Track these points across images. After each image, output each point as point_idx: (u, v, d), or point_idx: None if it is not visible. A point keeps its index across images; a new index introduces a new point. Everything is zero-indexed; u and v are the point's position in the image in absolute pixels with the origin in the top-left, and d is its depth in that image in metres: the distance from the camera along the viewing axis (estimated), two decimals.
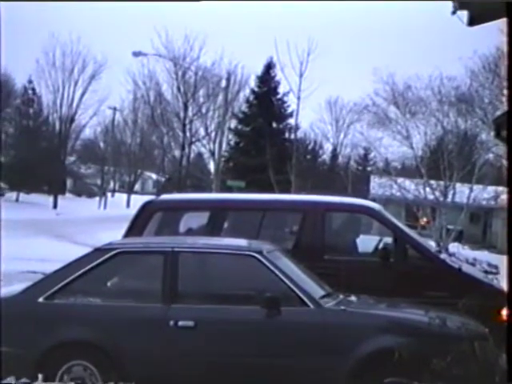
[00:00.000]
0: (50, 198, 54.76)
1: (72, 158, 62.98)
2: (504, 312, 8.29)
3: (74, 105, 56.86)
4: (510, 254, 5.51)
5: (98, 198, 63.18)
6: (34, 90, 57.45)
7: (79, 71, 56.46)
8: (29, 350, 6.72)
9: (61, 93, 56.33)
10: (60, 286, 7.04)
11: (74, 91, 56.55)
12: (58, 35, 54.00)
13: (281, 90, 46.42)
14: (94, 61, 56.30)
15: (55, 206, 53.12)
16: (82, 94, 56.89)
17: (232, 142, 48.75)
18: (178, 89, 51.08)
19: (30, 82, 56.86)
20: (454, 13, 7.21)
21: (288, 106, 46.46)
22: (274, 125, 46.94)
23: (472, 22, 7.39)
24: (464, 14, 7.36)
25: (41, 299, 6.98)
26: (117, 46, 67.18)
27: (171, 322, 6.74)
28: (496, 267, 24.74)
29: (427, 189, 31.87)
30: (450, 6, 7.32)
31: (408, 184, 33.48)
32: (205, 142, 50.49)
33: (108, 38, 76.49)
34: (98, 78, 56.98)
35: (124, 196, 66.54)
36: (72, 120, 57.45)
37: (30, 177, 50.81)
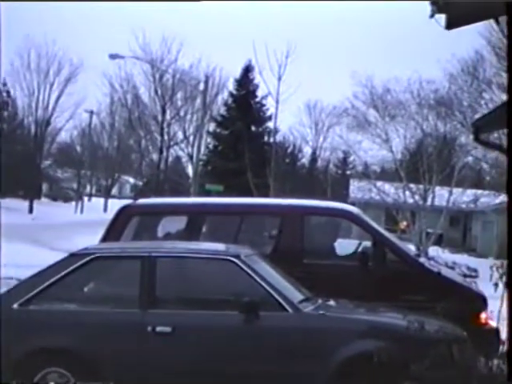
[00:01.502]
0: (26, 203, 54.29)
1: (48, 162, 62.53)
2: (482, 315, 8.32)
3: (50, 108, 56.68)
4: (510, 260, 5.47)
5: (74, 203, 62.74)
6: (8, 92, 56.86)
7: (55, 74, 56.26)
8: (3, 357, 6.60)
9: (36, 96, 56.15)
10: (35, 292, 6.95)
11: (49, 94, 56.38)
12: (32, 37, 53.74)
13: (259, 93, 46.48)
14: (69, 63, 56.20)
15: (31, 211, 52.67)
16: (58, 97, 56.72)
17: (210, 146, 48.67)
18: (156, 92, 51.05)
19: (5, 84, 56.20)
20: (431, 16, 7.20)
21: (267, 110, 46.53)
22: (253, 128, 46.90)
23: (450, 25, 7.39)
24: (442, 18, 7.35)
25: (15, 305, 6.87)
26: (93, 49, 67.01)
27: (149, 328, 6.67)
28: (475, 270, 24.90)
29: (407, 192, 31.99)
30: (428, 9, 7.32)
31: (387, 187, 33.61)
32: (183, 145, 50.56)
33: (84, 40, 76.17)
34: (74, 80, 56.83)
35: (101, 200, 66.22)
36: (48, 123, 57.08)
37: (4, 181, 50.25)
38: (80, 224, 39.74)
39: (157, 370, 6.67)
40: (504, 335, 6.53)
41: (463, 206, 34.10)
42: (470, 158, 33.23)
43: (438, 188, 32.01)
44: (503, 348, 6.13)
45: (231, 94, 48.02)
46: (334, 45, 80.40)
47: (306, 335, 6.64)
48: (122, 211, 9.58)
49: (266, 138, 47.02)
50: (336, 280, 8.41)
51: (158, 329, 6.67)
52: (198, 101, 45.04)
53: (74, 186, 68.02)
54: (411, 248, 12.35)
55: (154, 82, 51.19)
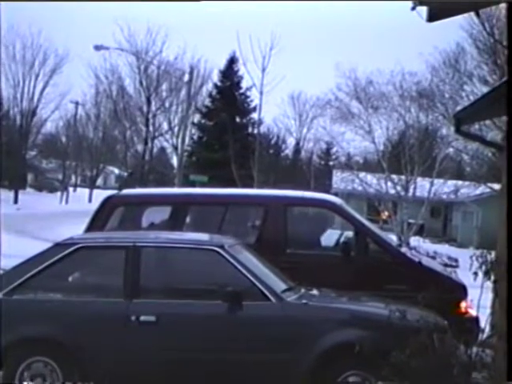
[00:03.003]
0: (11, 193, 53.96)
1: (33, 153, 62.23)
2: (463, 304, 8.44)
3: (35, 99, 56.24)
4: (510, 255, 5.53)
5: (59, 193, 62.54)
6: None
7: (40, 64, 55.82)
8: None
9: (21, 86, 55.68)
10: (20, 281, 6.97)
11: (34, 85, 55.93)
12: (17, 28, 53.23)
13: (244, 84, 46.51)
14: (55, 54, 55.74)
15: (16, 201, 52.43)
16: (43, 88, 56.28)
17: (195, 137, 48.65)
18: (141, 83, 50.89)
19: None
20: (413, 9, 7.25)
21: (251, 101, 46.54)
22: (237, 119, 46.89)
23: (431, 17, 7.44)
24: (423, 10, 7.41)
25: (0, 295, 6.89)
26: (78, 40, 66.42)
27: (133, 317, 6.71)
28: (456, 260, 25.14)
29: (389, 183, 32.19)
30: (409, 1, 7.37)
31: (370, 178, 33.78)
32: (168, 136, 50.45)
33: (69, 31, 75.69)
34: (60, 71, 56.40)
35: (86, 191, 65.97)
36: (33, 114, 56.73)
37: None
38: (65, 214, 39.64)
39: (141, 359, 6.70)
40: (483, 324, 6.65)
41: (444, 196, 34.38)
42: (451, 150, 33.51)
43: (419, 179, 32.26)
44: (482, 336, 6.25)
45: (216, 86, 47.97)
46: (317, 37, 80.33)
47: (288, 324, 6.69)
48: (107, 201, 9.60)
49: (250, 130, 47.08)
50: (319, 270, 8.49)
51: (142, 318, 6.71)
52: (183, 92, 44.98)
53: (59, 176, 67.78)
54: (393, 238, 12.46)
55: (139, 74, 51.04)
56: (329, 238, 9.87)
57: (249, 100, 46.90)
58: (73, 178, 74.52)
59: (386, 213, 34.18)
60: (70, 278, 7.44)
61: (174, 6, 59.76)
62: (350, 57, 61.74)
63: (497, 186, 20.80)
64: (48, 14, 69.12)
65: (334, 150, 52.15)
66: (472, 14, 11.64)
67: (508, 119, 5.74)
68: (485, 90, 22.87)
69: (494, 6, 8.61)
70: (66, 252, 7.12)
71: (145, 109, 50.88)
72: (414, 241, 31.08)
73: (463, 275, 8.16)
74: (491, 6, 9.01)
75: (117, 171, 77.79)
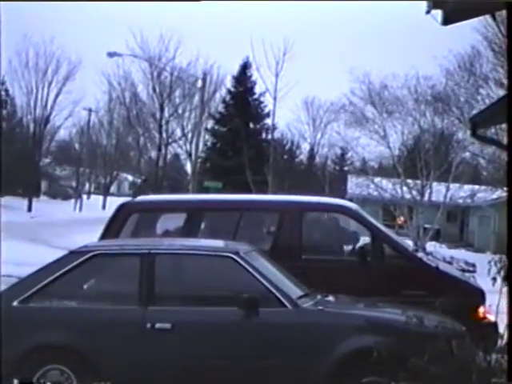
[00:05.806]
0: (25, 201, 54.21)
1: (47, 160, 62.63)
2: (481, 309, 8.36)
3: (49, 106, 56.51)
4: (510, 254, 5.48)
5: (73, 201, 62.80)
6: (7, 91, 56.93)
7: (53, 72, 56.09)
8: (4, 355, 6.63)
9: (34, 94, 55.94)
10: (35, 289, 6.97)
11: (48, 92, 56.20)
12: (30, 36, 53.53)
13: (257, 90, 46.58)
14: (68, 61, 56.02)
15: (30, 209, 52.64)
16: (57, 95, 56.55)
17: (209, 143, 48.73)
18: (154, 89, 51.03)
19: (3, 83, 56.26)
20: (428, 12, 7.24)
21: (265, 106, 46.57)
22: (251, 125, 46.93)
23: (446, 21, 7.42)
24: (438, 14, 7.39)
25: (15, 303, 6.90)
26: (91, 47, 67.00)
27: (148, 325, 6.70)
28: (473, 265, 24.95)
29: (404, 188, 32.08)
30: (424, 5, 7.35)
31: (385, 183, 33.70)
32: (181, 142, 50.51)
33: (82, 39, 76.16)
34: (73, 78, 56.67)
35: (100, 198, 66.27)
36: (46, 121, 57.02)
37: (3, 179, 50.14)
38: (79, 222, 39.78)
39: (156, 367, 6.69)
40: (502, 329, 6.57)
41: (460, 201, 34.24)
42: (467, 154, 33.37)
43: (435, 183, 32.15)
44: (501, 342, 6.17)
45: (229, 91, 48.05)
46: (331, 41, 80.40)
47: (304, 331, 6.67)
48: (121, 208, 9.60)
49: (264, 135, 47.10)
50: (335, 275, 8.44)
51: (158, 325, 6.70)
52: (196, 98, 45.04)
53: (73, 183, 68.10)
54: (409, 243, 12.39)
55: (152, 80, 51.19)
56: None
57: (262, 105, 46.94)
58: (87, 185, 74.86)
59: (402, 218, 34.07)
60: (85, 286, 7.44)
61: (187, 13, 60.04)
62: (364, 61, 61.78)
63: None
64: (61, 22, 69.62)
65: (349, 155, 52.14)
66: (487, 16, 11.57)
67: (508, 127, 5.69)
68: (501, 93, 22.76)
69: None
70: (81, 260, 7.12)
71: (158, 115, 51.02)
72: (430, 246, 30.94)
73: (481, 281, 8.09)
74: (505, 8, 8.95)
75: (130, 178, 78.08)
